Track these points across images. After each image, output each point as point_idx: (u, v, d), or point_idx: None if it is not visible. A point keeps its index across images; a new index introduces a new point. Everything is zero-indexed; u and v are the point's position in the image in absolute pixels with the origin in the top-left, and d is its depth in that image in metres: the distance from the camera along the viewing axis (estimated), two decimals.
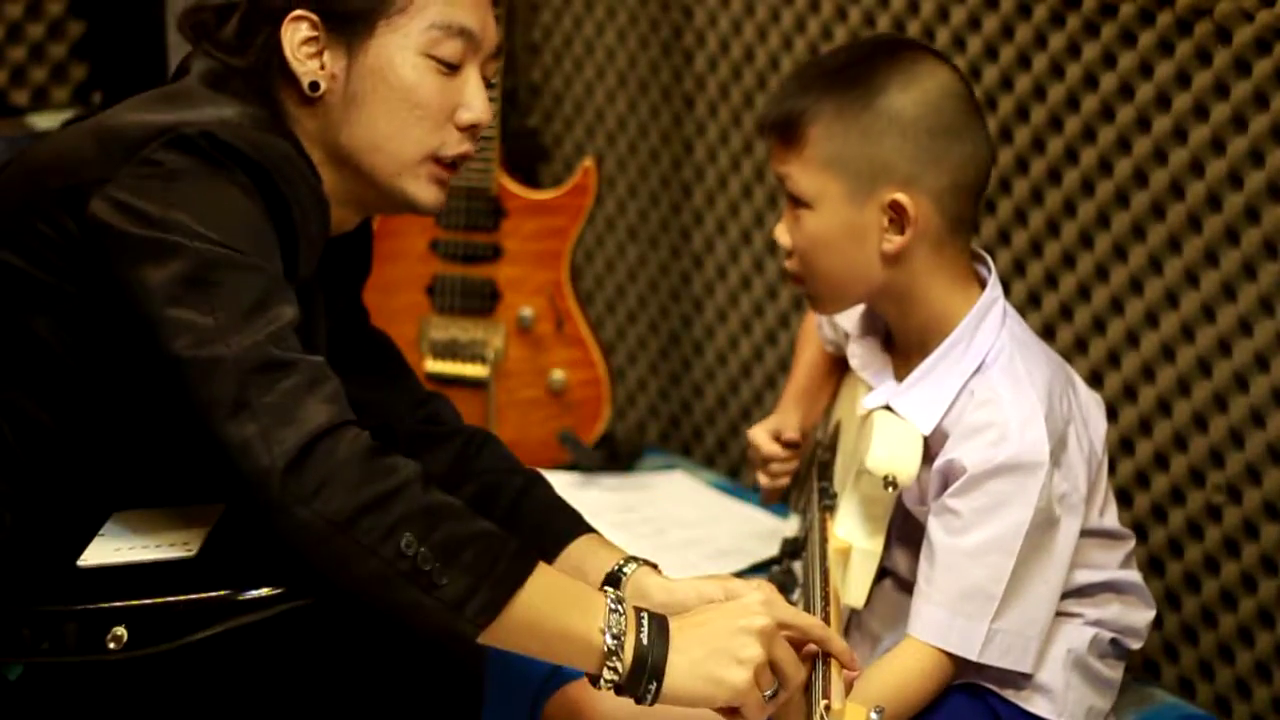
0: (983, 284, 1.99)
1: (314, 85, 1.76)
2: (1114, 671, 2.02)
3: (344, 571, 1.61)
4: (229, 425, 1.59)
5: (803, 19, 2.74)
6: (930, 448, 1.94)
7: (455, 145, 1.81)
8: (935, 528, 1.91)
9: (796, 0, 2.74)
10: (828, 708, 1.56)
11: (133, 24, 2.98)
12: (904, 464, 1.90)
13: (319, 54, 1.76)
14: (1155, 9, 2.25)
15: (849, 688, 1.67)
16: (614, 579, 1.84)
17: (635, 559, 1.86)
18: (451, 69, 1.79)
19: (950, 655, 1.88)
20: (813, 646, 1.71)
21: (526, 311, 2.79)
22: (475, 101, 1.80)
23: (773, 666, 1.65)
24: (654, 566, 1.87)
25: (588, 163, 2.79)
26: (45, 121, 2.91)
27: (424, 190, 1.81)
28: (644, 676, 1.62)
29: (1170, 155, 2.25)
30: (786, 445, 2.18)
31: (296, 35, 1.75)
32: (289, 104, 1.78)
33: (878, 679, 1.86)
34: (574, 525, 1.92)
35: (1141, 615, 2.04)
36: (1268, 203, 2.16)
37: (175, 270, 1.62)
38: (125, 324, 1.66)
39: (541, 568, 1.64)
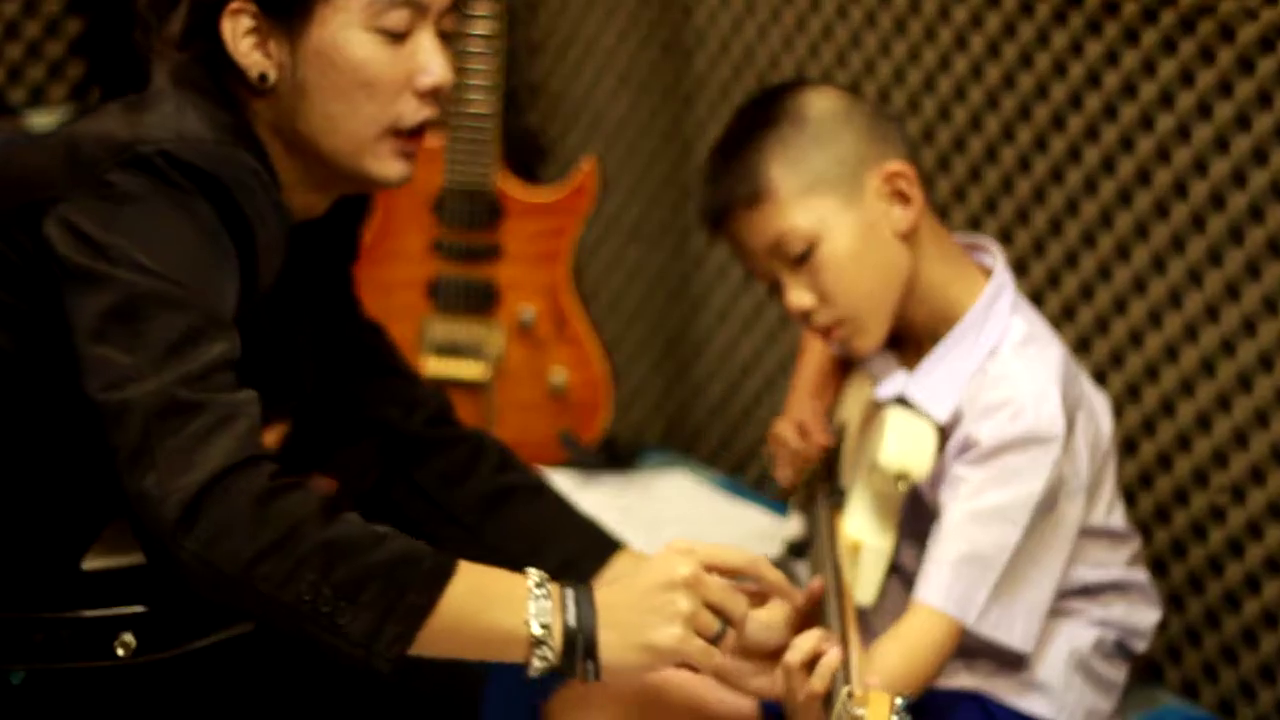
0: (987, 273, 2.00)
1: (262, 77, 1.71)
2: (1117, 673, 2.02)
3: (251, 615, 1.59)
4: (130, 474, 1.54)
5: (803, 19, 2.73)
6: (944, 434, 1.94)
7: (414, 113, 1.74)
8: (946, 495, 1.91)
9: (797, 0, 2.74)
10: (850, 694, 1.56)
11: (130, 21, 2.97)
12: (917, 460, 1.90)
13: (262, 44, 1.71)
14: (1158, 7, 2.24)
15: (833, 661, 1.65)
16: None
17: None
18: (399, 37, 1.72)
19: (955, 622, 1.88)
20: (832, 640, 1.69)
21: (527, 311, 2.78)
22: (432, 64, 1.73)
23: (712, 609, 1.62)
24: None
25: (588, 163, 2.78)
26: (42, 119, 2.91)
27: (387, 166, 1.74)
28: (577, 657, 1.58)
29: (1174, 154, 2.25)
30: (820, 449, 2.16)
31: (238, 28, 1.70)
32: (244, 96, 1.73)
33: (887, 653, 1.85)
34: (604, 543, 1.93)
35: (1147, 616, 2.04)
36: (1272, 202, 2.15)
37: (104, 302, 1.57)
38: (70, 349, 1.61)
39: (459, 572, 1.57)
